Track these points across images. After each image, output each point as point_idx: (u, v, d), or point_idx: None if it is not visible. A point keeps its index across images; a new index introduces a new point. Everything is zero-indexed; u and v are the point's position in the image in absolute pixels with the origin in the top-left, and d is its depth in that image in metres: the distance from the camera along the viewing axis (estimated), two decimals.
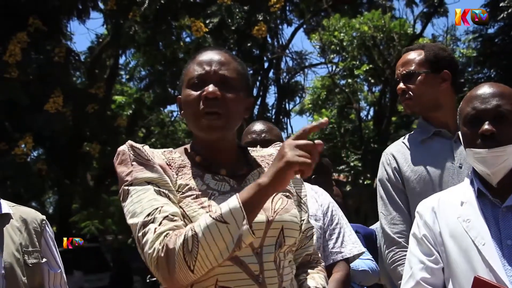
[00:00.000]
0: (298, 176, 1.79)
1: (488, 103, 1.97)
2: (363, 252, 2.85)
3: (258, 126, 2.85)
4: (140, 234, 1.60)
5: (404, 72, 2.67)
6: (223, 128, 1.74)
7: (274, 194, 1.72)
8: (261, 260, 1.65)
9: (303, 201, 1.89)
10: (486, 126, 1.94)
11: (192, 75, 1.78)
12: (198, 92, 1.74)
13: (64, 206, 17.54)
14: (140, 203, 1.63)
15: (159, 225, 1.58)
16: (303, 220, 1.86)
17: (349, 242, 2.78)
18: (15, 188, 10.95)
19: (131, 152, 1.71)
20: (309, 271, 1.86)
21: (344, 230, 2.80)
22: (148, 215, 1.60)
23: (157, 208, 1.61)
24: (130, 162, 1.70)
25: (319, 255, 1.97)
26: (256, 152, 1.92)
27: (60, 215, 17.39)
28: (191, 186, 1.70)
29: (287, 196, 1.79)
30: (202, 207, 1.65)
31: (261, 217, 1.66)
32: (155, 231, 1.57)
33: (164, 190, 1.66)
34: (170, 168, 1.73)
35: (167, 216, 1.60)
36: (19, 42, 10.52)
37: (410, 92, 2.65)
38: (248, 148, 1.92)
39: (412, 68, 2.66)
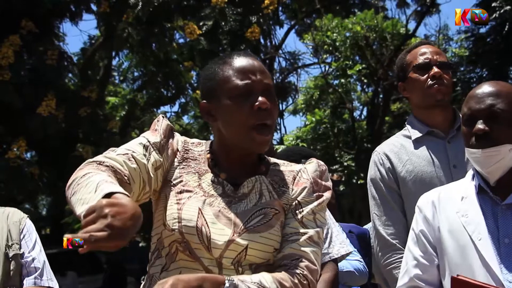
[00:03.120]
0: (319, 195, 1.79)
1: (482, 103, 1.96)
2: (350, 252, 2.85)
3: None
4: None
5: (442, 60, 2.63)
6: (269, 143, 1.75)
7: (259, 207, 1.70)
8: (221, 266, 1.65)
9: (301, 220, 1.75)
10: (479, 125, 1.94)
11: (237, 85, 1.71)
12: (247, 103, 1.70)
13: (57, 207, 17.50)
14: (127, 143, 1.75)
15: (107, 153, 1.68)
16: (293, 228, 1.73)
17: (336, 243, 2.77)
18: (8, 191, 10.92)
19: (159, 119, 1.81)
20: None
21: (332, 230, 2.79)
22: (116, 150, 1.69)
23: (127, 153, 1.67)
24: (154, 128, 1.79)
25: (304, 262, 1.70)
26: (282, 166, 1.85)
27: (53, 217, 17.35)
28: (183, 181, 1.73)
29: (275, 213, 1.70)
30: (177, 203, 1.68)
31: (226, 230, 1.65)
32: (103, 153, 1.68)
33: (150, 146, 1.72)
34: (178, 158, 1.77)
35: (126, 153, 1.67)
36: (11, 44, 10.49)
37: (445, 80, 2.60)
38: (277, 161, 1.87)
39: (446, 59, 2.66)
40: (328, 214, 2.83)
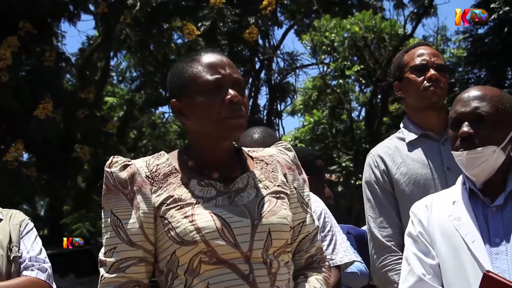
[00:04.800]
0: (303, 176, 1.88)
1: (468, 106, 1.99)
2: (354, 262, 2.85)
3: (258, 137, 2.84)
4: (99, 267, 1.72)
5: (439, 62, 2.64)
6: (244, 128, 1.77)
7: (262, 197, 1.74)
8: (249, 262, 1.66)
9: (305, 202, 1.88)
10: (464, 128, 1.96)
11: (207, 80, 1.73)
12: (218, 98, 1.72)
13: (55, 208, 17.49)
14: (104, 233, 1.73)
15: (107, 271, 1.69)
16: (304, 221, 1.85)
17: (340, 250, 2.77)
18: (6, 193, 10.91)
19: (106, 176, 1.75)
20: (308, 273, 1.84)
21: (336, 237, 2.79)
22: (106, 253, 1.71)
23: (110, 250, 1.70)
24: (105, 185, 1.75)
25: (324, 254, 1.95)
26: (256, 153, 1.90)
27: (51, 218, 17.33)
28: (176, 197, 1.70)
29: (278, 197, 1.78)
30: (186, 217, 1.66)
31: (246, 221, 1.68)
32: (102, 278, 1.70)
33: (122, 224, 1.70)
34: (152, 183, 1.73)
35: (116, 262, 1.69)
36: (9, 46, 10.47)
37: (441, 83, 2.61)
38: (248, 149, 1.92)
39: (443, 62, 2.67)
40: (334, 222, 2.84)
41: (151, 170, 1.75)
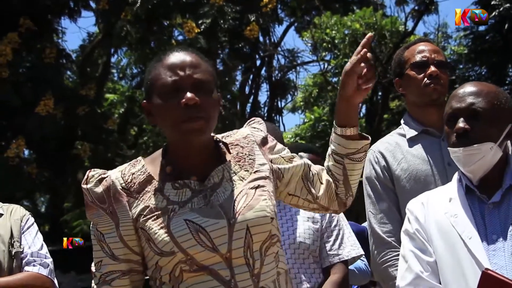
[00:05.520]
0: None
1: (463, 102, 1.99)
2: (362, 255, 2.85)
3: None
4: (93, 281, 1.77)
5: (439, 59, 2.64)
6: (205, 132, 1.71)
7: (238, 191, 1.72)
8: (231, 265, 1.64)
9: (291, 156, 1.91)
10: (459, 124, 1.96)
11: (165, 82, 1.70)
12: (175, 101, 1.67)
13: (55, 205, 17.49)
14: (93, 246, 1.76)
15: (97, 284, 1.74)
16: (305, 164, 1.91)
17: (347, 244, 2.77)
18: (6, 189, 10.91)
19: (84, 193, 1.75)
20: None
21: (343, 231, 2.79)
22: (95, 265, 1.75)
23: (98, 262, 1.74)
24: (85, 201, 1.76)
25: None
26: (230, 137, 1.87)
27: (52, 214, 17.33)
28: (151, 207, 1.68)
29: (256, 187, 1.74)
30: (161, 228, 1.65)
31: (222, 222, 1.65)
32: None
33: (104, 239, 1.72)
34: (128, 194, 1.71)
35: (102, 275, 1.72)
36: (9, 42, 10.47)
37: (441, 80, 2.61)
38: (222, 135, 1.88)
39: (443, 58, 2.67)
40: (341, 215, 2.83)
41: (126, 181, 1.73)
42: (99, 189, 1.71)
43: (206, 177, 1.73)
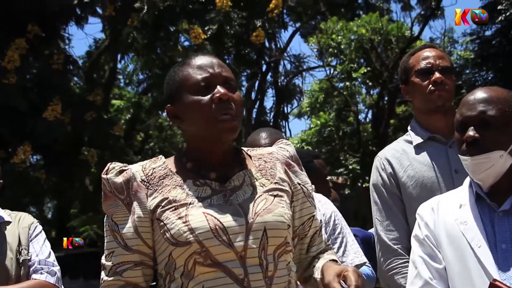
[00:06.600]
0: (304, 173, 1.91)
1: (474, 109, 1.96)
2: (365, 262, 2.84)
3: (266, 136, 2.82)
4: (102, 270, 1.78)
5: (444, 65, 2.62)
6: (237, 131, 1.77)
7: (258, 195, 1.74)
8: (244, 264, 1.65)
9: (312, 196, 1.90)
10: (469, 132, 1.94)
11: (196, 80, 1.75)
12: (208, 96, 1.73)
13: (63, 211, 17.54)
14: (105, 237, 1.78)
15: (107, 275, 1.75)
16: (314, 215, 1.89)
17: (351, 252, 2.76)
18: (14, 195, 10.95)
19: (103, 182, 1.77)
20: (320, 255, 1.89)
21: (347, 239, 2.79)
22: (106, 256, 1.76)
23: (109, 253, 1.75)
24: (103, 191, 1.78)
25: (329, 243, 2.00)
26: (255, 151, 1.91)
27: (59, 220, 17.38)
28: (170, 199, 1.71)
29: (275, 195, 1.77)
30: (179, 218, 1.67)
31: (240, 220, 1.67)
32: (102, 281, 1.77)
33: (118, 229, 1.73)
34: (147, 186, 1.74)
35: (114, 266, 1.73)
36: (17, 48, 10.53)
37: (446, 86, 2.60)
38: (248, 148, 1.92)
39: (449, 64, 2.66)
40: (344, 223, 2.83)
41: (146, 174, 1.77)
42: (119, 179, 1.75)
43: (224, 177, 1.77)
